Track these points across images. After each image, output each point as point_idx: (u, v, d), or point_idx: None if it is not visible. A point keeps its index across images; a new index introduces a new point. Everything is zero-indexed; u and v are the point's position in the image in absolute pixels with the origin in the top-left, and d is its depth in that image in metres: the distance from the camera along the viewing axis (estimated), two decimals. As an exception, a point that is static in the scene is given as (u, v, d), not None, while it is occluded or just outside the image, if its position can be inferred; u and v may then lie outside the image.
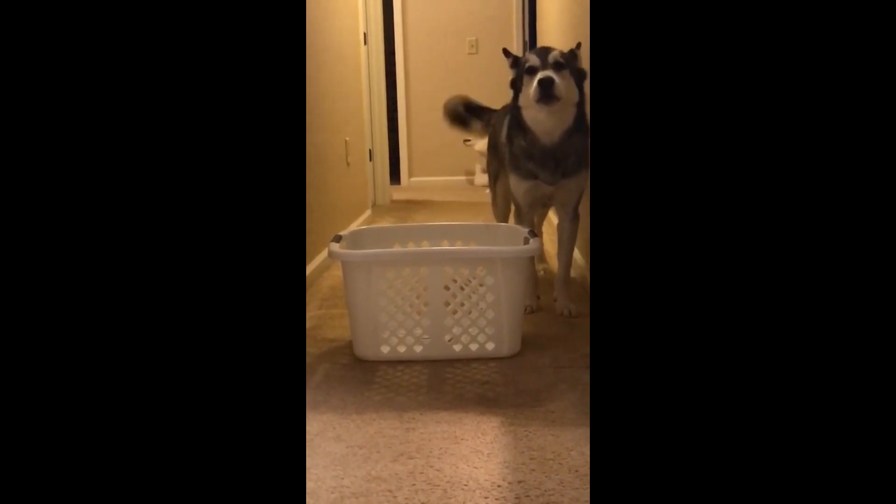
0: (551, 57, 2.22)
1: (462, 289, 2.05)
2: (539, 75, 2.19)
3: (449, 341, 2.06)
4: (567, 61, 2.23)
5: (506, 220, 2.81)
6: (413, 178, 6.61)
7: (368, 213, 4.69)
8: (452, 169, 6.52)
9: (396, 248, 2.29)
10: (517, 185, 2.41)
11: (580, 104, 2.27)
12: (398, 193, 5.92)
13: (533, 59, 2.24)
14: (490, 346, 2.05)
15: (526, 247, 2.07)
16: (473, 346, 2.05)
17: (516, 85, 2.32)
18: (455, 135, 6.19)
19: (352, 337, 2.10)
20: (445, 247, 2.35)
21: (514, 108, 2.35)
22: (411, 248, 2.34)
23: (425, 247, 2.35)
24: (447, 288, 2.04)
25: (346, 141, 3.91)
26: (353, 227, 3.73)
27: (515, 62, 2.35)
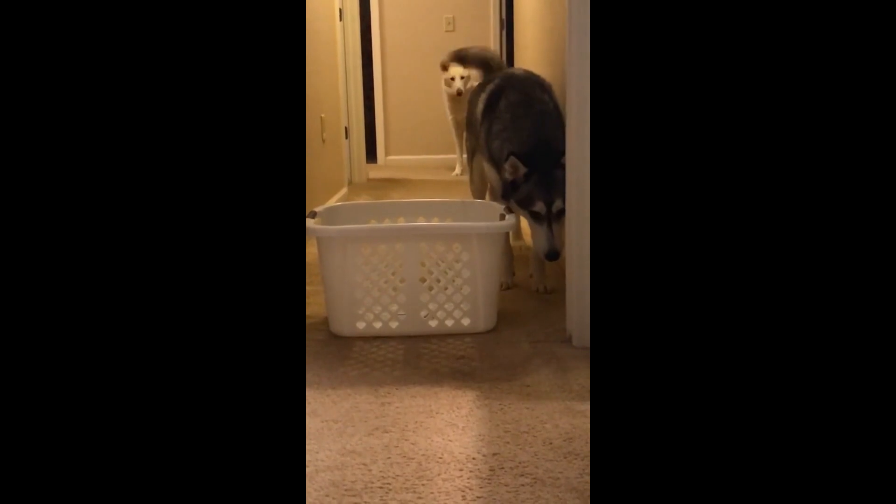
0: (555, 207, 2.15)
1: (438, 264, 2.05)
2: (546, 248, 2.18)
3: (425, 317, 2.06)
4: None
5: (482, 196, 2.81)
6: (390, 157, 6.58)
7: (344, 190, 4.66)
8: (430, 148, 6.49)
9: (372, 224, 2.29)
10: (490, 170, 2.42)
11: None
12: (375, 172, 5.88)
13: (539, 207, 2.17)
14: (466, 321, 2.06)
15: (501, 223, 2.08)
16: (449, 322, 2.05)
17: (513, 190, 2.23)
18: (432, 113, 6.21)
19: (327, 313, 2.09)
20: (421, 223, 2.34)
21: (510, 185, 2.25)
22: (387, 224, 2.33)
23: (401, 223, 2.34)
24: (423, 264, 2.04)
25: (321, 118, 3.88)
26: (329, 204, 3.71)
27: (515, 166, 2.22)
